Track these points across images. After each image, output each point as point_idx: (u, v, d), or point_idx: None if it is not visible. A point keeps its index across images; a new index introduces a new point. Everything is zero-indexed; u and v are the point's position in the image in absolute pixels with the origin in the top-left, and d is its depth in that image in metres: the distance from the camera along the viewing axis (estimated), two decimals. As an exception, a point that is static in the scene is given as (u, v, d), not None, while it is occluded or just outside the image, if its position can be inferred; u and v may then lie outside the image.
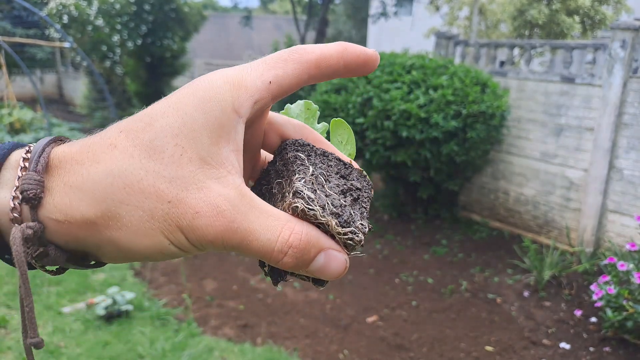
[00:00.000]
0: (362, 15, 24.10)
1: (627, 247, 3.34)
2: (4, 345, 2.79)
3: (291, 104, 0.49)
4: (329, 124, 0.47)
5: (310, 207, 0.31)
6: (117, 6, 8.29)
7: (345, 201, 0.33)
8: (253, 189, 0.38)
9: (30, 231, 0.28)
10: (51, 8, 9.02)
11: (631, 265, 3.24)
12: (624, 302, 3.08)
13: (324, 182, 0.33)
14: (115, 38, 8.61)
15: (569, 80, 4.72)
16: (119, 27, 8.39)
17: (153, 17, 8.52)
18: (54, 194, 0.30)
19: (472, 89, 4.58)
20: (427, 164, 4.74)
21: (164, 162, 0.29)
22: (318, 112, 0.48)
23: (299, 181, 0.32)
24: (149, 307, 3.32)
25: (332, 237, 0.32)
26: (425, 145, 4.50)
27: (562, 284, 3.98)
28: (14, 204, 0.29)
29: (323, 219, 0.31)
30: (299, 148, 0.36)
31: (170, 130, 0.29)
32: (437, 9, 8.67)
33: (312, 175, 0.33)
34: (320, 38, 7.14)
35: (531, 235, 5.09)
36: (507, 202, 5.38)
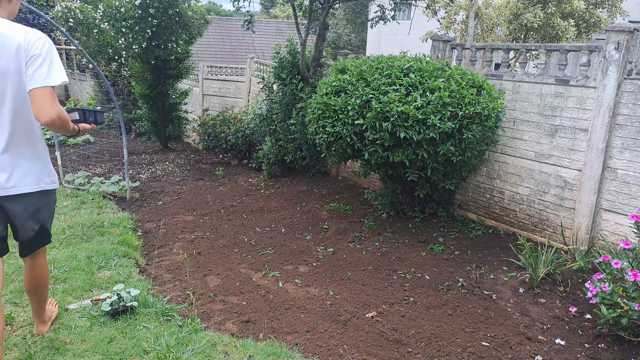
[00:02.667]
0: (361, 20, 24.18)
1: (622, 245, 3.36)
2: (10, 342, 2.80)
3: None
4: None
5: None
6: (122, 10, 8.41)
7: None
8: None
9: None
10: (57, 11, 9.15)
11: (625, 263, 3.28)
12: (619, 300, 3.11)
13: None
14: (121, 41, 8.73)
15: (563, 82, 4.81)
16: (124, 30, 8.50)
17: (157, 21, 8.62)
18: None
19: (468, 91, 4.68)
20: (424, 164, 4.82)
21: None
22: None
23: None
24: (153, 304, 3.34)
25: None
26: (422, 146, 4.59)
27: (557, 281, 4.04)
28: None
29: None
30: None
31: None
32: (435, 13, 8.78)
33: None
34: (321, 42, 7.25)
35: (526, 234, 5.17)
36: (502, 201, 5.47)
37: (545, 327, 3.46)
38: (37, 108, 2.05)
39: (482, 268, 4.37)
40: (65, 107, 2.49)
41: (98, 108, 2.67)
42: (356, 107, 4.69)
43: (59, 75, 2.09)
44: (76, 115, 2.38)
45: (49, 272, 2.76)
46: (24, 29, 2.13)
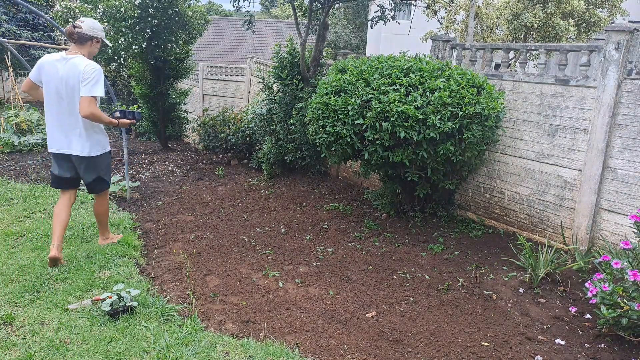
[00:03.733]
0: (361, 20, 24.21)
1: (622, 245, 3.35)
2: (10, 342, 2.80)
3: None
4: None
5: None
6: (122, 10, 8.41)
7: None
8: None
9: None
10: (57, 11, 9.16)
11: (625, 263, 3.28)
12: (619, 299, 3.10)
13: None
14: (120, 41, 8.72)
15: (563, 82, 4.81)
16: (124, 30, 8.50)
17: (157, 21, 8.62)
18: None
19: (468, 91, 4.68)
20: (424, 164, 4.83)
21: None
22: None
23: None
24: (153, 304, 3.34)
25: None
26: (422, 146, 4.59)
27: (557, 281, 4.04)
28: None
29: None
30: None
31: None
32: (435, 13, 8.78)
33: None
34: (321, 42, 7.24)
35: (526, 234, 5.17)
36: (502, 201, 5.47)
37: (545, 327, 3.46)
38: (80, 107, 3.61)
39: (482, 268, 4.37)
40: (114, 109, 4.29)
41: (137, 110, 4.33)
42: (356, 107, 4.69)
43: (97, 91, 3.62)
44: (117, 114, 3.96)
45: (107, 211, 4.27)
46: (85, 62, 3.64)
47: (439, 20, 8.81)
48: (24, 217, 5.05)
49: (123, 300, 3.19)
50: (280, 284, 3.97)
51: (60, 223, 3.86)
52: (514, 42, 13.37)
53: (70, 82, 3.59)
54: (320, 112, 5.06)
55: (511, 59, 9.11)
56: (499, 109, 4.85)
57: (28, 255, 4.03)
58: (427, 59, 5.27)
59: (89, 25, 3.73)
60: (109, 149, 4.07)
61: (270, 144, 7.72)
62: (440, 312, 3.59)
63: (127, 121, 4.03)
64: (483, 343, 3.21)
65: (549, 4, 12.06)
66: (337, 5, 8.51)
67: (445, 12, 14.90)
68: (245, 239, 5.01)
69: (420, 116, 4.43)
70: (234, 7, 7.48)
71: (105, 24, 8.77)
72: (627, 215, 4.28)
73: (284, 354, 2.88)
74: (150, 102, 9.97)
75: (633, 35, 4.34)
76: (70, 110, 3.68)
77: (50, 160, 8.10)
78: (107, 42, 4.15)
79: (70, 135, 3.75)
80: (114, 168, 8.10)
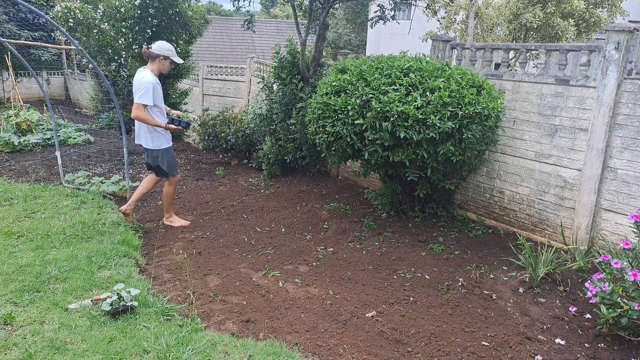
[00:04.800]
0: (361, 19, 24.23)
1: (621, 245, 3.35)
2: (10, 341, 2.81)
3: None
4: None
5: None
6: (122, 10, 8.41)
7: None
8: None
9: None
10: (57, 11, 9.17)
11: (625, 263, 3.28)
12: (619, 299, 3.10)
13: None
14: (121, 41, 8.73)
15: (563, 81, 4.81)
16: (124, 30, 8.50)
17: (157, 21, 8.62)
18: None
19: (468, 91, 4.68)
20: (424, 164, 4.83)
21: None
22: None
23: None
24: (153, 303, 3.35)
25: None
26: (422, 146, 4.60)
27: (557, 281, 4.05)
28: None
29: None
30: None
31: None
32: (435, 13, 8.79)
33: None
34: (321, 42, 7.24)
35: (526, 234, 5.17)
36: (502, 201, 5.47)
37: (545, 326, 3.46)
38: (132, 110, 4.67)
39: (482, 268, 4.37)
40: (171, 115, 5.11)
41: (188, 120, 5.23)
42: (356, 107, 4.69)
43: (142, 99, 4.61)
44: (167, 119, 4.92)
45: (170, 195, 5.26)
46: (143, 74, 4.67)
47: (439, 20, 8.81)
48: (24, 217, 5.05)
49: (123, 300, 3.20)
50: (280, 284, 3.97)
51: (140, 189, 5.18)
52: (514, 42, 13.39)
53: (134, 89, 4.70)
54: (320, 112, 5.06)
55: (511, 59, 9.13)
56: (499, 109, 4.85)
57: (28, 255, 4.03)
58: (427, 58, 5.27)
59: (158, 46, 4.73)
60: (165, 146, 4.96)
61: (270, 143, 7.72)
62: (440, 312, 3.59)
63: (174, 127, 4.88)
64: (483, 343, 3.21)
65: (549, 3, 12.07)
66: (337, 5, 8.52)
67: (445, 12, 14.91)
68: (245, 239, 5.01)
69: (420, 116, 4.43)
70: (234, 7, 7.48)
71: (106, 24, 8.77)
72: (627, 215, 4.28)
73: (284, 353, 2.89)
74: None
75: (633, 35, 4.34)
76: None
77: (50, 161, 8.08)
78: (175, 59, 4.84)
79: (137, 130, 4.94)
80: (114, 168, 8.11)
